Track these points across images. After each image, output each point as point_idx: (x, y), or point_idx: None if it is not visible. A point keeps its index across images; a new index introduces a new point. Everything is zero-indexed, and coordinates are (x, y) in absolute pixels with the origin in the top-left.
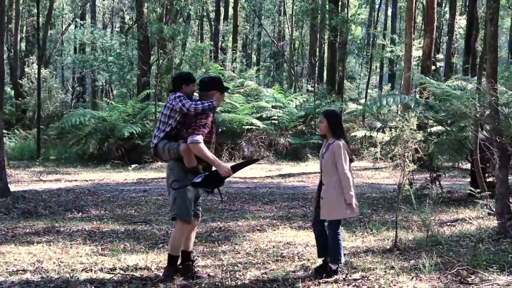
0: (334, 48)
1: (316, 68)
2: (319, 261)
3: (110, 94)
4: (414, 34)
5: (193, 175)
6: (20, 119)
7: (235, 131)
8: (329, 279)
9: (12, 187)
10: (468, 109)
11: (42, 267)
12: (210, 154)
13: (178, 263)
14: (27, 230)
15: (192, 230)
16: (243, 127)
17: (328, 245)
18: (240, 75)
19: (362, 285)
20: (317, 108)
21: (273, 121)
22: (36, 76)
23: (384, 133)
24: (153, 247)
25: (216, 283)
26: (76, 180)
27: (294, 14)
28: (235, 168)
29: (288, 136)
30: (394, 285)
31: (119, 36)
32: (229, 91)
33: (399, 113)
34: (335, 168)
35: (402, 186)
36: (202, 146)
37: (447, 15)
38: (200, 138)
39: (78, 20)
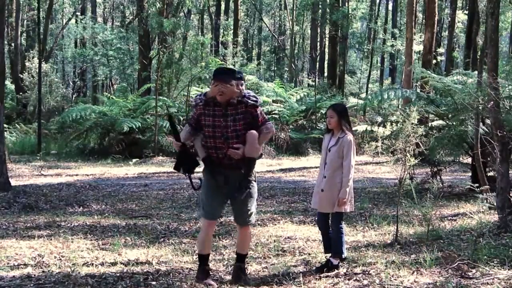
0: (335, 43)
1: (317, 63)
2: (321, 256)
3: (111, 89)
4: (415, 29)
5: (206, 169)
6: (21, 114)
7: None
8: (330, 274)
9: (13, 182)
10: (469, 103)
11: (43, 261)
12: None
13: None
14: (28, 225)
15: (240, 233)
16: None
17: (331, 239)
18: (241, 70)
19: (363, 279)
20: (318, 102)
21: (274, 115)
22: (37, 70)
23: (385, 127)
24: (154, 241)
25: (217, 278)
26: (77, 175)
27: (294, 8)
28: (173, 132)
29: (289, 130)
30: (395, 279)
31: (119, 31)
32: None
33: (399, 107)
34: (341, 162)
35: (403, 180)
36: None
37: (448, 9)
38: (184, 129)
39: (78, 14)
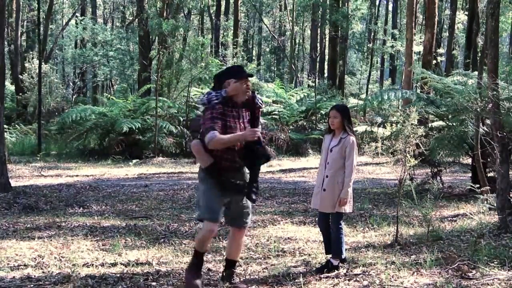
0: (335, 43)
1: (317, 63)
2: (321, 257)
3: (111, 89)
4: (415, 29)
5: (209, 175)
6: (21, 114)
7: None
8: (330, 274)
9: (13, 182)
10: (469, 104)
11: (43, 262)
12: (227, 137)
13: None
14: (28, 225)
15: (236, 237)
16: None
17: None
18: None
19: (363, 280)
20: (318, 103)
21: (274, 116)
22: (37, 71)
23: (385, 128)
24: (154, 242)
25: (217, 279)
26: (77, 175)
27: (294, 9)
28: (252, 123)
29: (289, 131)
30: (395, 280)
31: (119, 32)
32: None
33: (400, 108)
34: (343, 162)
35: (403, 181)
36: (218, 138)
37: (448, 10)
38: (212, 134)
39: (78, 15)
